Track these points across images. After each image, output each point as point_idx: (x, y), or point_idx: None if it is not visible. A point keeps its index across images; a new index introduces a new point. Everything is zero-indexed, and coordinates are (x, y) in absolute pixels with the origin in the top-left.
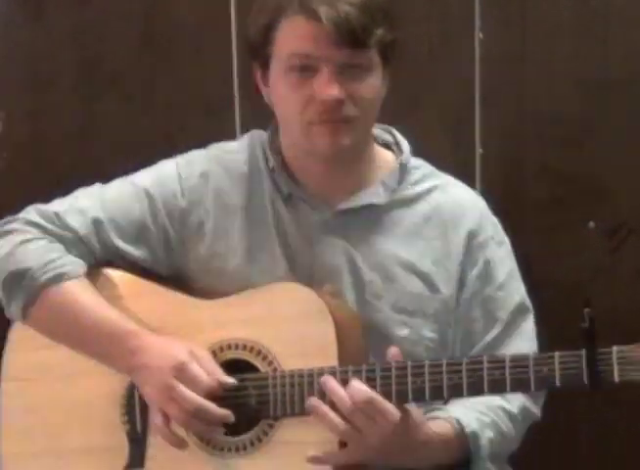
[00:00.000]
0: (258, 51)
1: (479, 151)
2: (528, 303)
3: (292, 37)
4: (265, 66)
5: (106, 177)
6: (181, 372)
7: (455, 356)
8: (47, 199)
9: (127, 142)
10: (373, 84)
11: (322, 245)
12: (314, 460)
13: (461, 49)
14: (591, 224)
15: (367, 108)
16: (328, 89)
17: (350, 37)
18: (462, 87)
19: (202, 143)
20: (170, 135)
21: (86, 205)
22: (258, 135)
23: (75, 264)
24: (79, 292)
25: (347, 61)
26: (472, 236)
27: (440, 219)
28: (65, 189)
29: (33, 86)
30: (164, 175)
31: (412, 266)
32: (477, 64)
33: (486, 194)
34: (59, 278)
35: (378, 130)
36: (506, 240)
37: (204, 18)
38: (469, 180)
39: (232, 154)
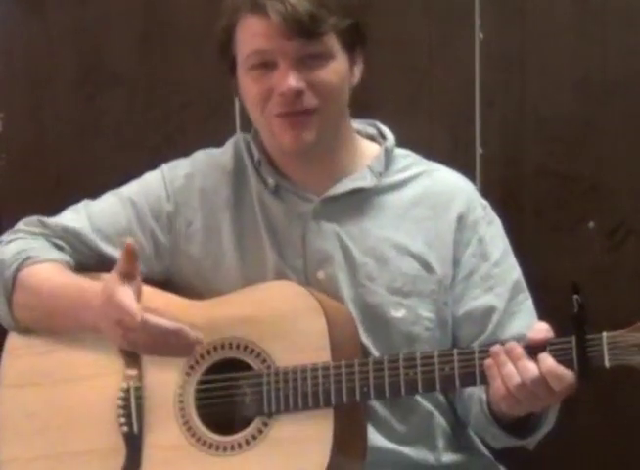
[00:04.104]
0: (224, 53)
1: (479, 151)
2: (524, 283)
3: (247, 37)
4: (233, 67)
5: (106, 177)
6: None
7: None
8: (47, 199)
9: (127, 142)
10: (335, 70)
11: (313, 232)
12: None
13: (461, 49)
14: (591, 224)
15: (330, 95)
16: (285, 81)
17: (299, 27)
18: (462, 87)
19: (202, 143)
20: (170, 135)
21: (72, 218)
22: (242, 136)
23: (45, 249)
24: (48, 271)
25: (302, 51)
26: (462, 218)
27: (429, 202)
28: (65, 189)
29: (33, 86)
30: (149, 182)
31: (405, 248)
32: (477, 64)
33: (486, 194)
34: (27, 261)
35: (361, 125)
36: (496, 220)
37: (204, 17)
38: (469, 180)
39: (217, 155)
